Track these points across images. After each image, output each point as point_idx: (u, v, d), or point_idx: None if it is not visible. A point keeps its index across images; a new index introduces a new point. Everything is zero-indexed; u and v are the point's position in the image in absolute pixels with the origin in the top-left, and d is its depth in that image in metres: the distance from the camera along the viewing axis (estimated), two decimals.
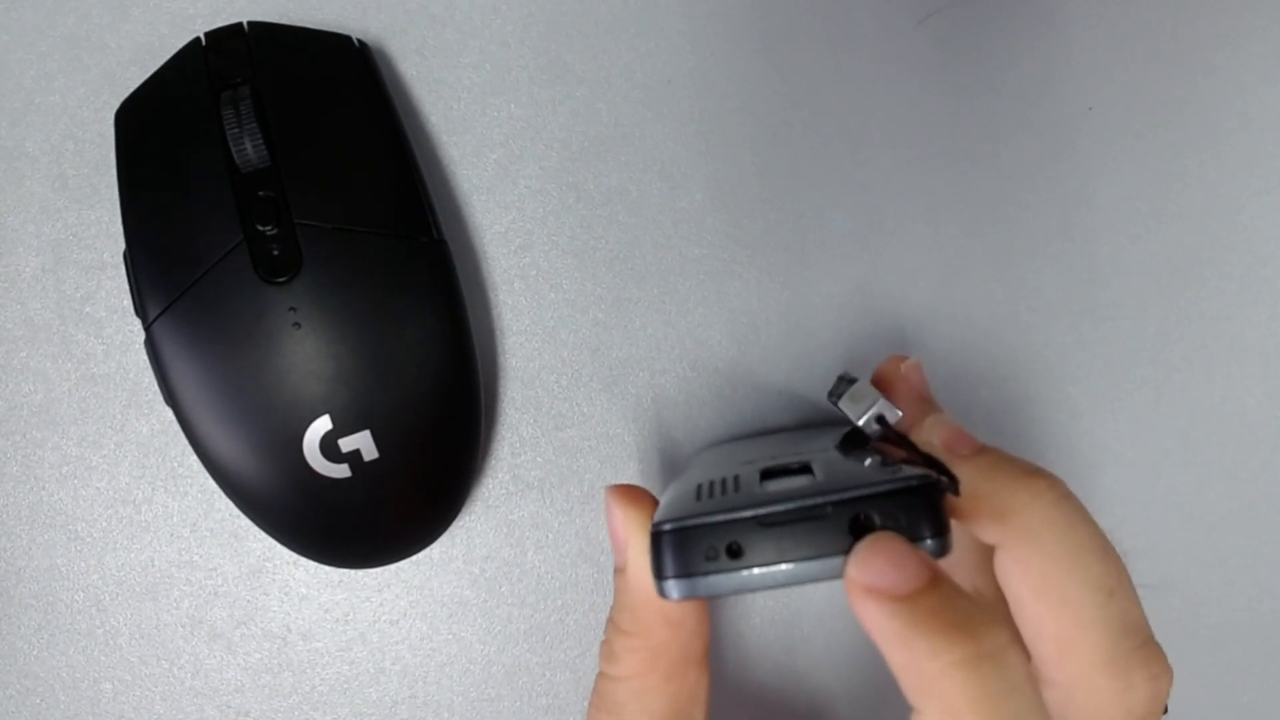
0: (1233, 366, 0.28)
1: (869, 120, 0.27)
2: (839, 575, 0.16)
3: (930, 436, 0.20)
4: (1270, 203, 0.28)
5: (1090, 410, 0.28)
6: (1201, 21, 0.28)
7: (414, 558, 0.25)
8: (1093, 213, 0.27)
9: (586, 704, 0.27)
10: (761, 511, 0.17)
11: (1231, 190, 0.28)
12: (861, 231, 0.27)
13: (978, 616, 0.15)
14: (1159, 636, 0.18)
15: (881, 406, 0.20)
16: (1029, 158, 0.27)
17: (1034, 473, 0.18)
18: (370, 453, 0.22)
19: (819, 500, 0.16)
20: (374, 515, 0.23)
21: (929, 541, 0.16)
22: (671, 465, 0.27)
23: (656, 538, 0.17)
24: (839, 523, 0.16)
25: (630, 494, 0.20)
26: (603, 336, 0.26)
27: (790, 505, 0.16)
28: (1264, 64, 0.28)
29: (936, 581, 0.15)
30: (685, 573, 0.17)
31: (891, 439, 0.20)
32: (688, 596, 0.17)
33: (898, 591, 0.15)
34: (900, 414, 0.20)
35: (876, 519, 0.16)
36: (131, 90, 0.24)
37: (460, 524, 0.26)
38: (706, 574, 0.17)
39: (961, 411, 0.22)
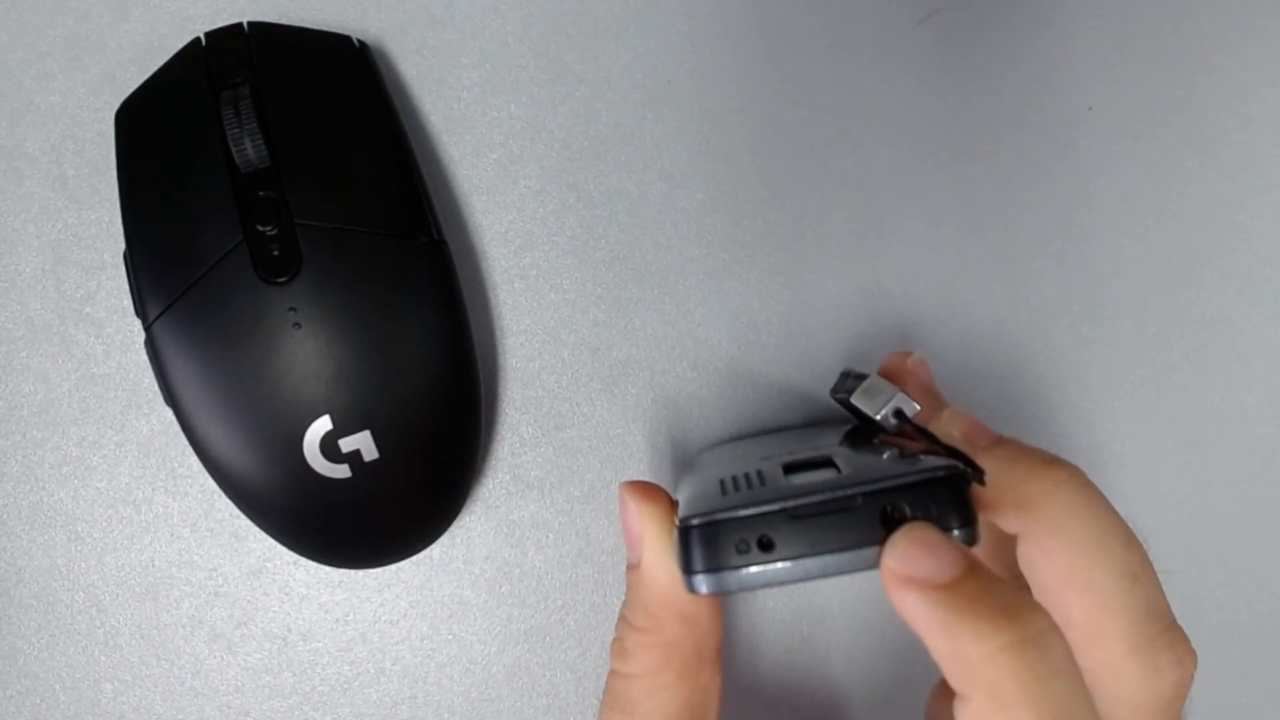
0: (1233, 366, 0.28)
1: (869, 120, 0.27)
2: (871, 566, 0.16)
3: (949, 429, 0.20)
4: (1270, 203, 0.28)
5: (1090, 410, 0.28)
6: (1201, 21, 0.28)
7: (414, 558, 0.25)
8: (1093, 213, 0.27)
9: (586, 704, 0.27)
10: (791, 504, 0.16)
11: (1231, 190, 0.28)
12: (861, 231, 0.27)
13: (1019, 601, 0.15)
14: None
15: (899, 400, 0.20)
16: (1029, 158, 0.27)
17: (1053, 462, 0.19)
18: (370, 453, 0.22)
19: (849, 492, 0.16)
20: (374, 515, 0.23)
21: (958, 531, 0.16)
22: (672, 465, 0.27)
23: (685, 532, 0.17)
24: (870, 514, 0.16)
25: (646, 490, 0.20)
26: (603, 336, 0.26)
27: (821, 497, 0.16)
28: (1264, 64, 0.28)
29: (975, 569, 0.15)
30: (715, 567, 0.17)
31: (910, 433, 0.20)
32: (717, 591, 0.17)
33: (937, 580, 0.15)
34: (919, 407, 0.20)
35: (907, 510, 0.16)
36: (131, 90, 0.24)
37: (460, 524, 0.26)
38: (737, 568, 0.16)
39: (962, 409, 0.22)
